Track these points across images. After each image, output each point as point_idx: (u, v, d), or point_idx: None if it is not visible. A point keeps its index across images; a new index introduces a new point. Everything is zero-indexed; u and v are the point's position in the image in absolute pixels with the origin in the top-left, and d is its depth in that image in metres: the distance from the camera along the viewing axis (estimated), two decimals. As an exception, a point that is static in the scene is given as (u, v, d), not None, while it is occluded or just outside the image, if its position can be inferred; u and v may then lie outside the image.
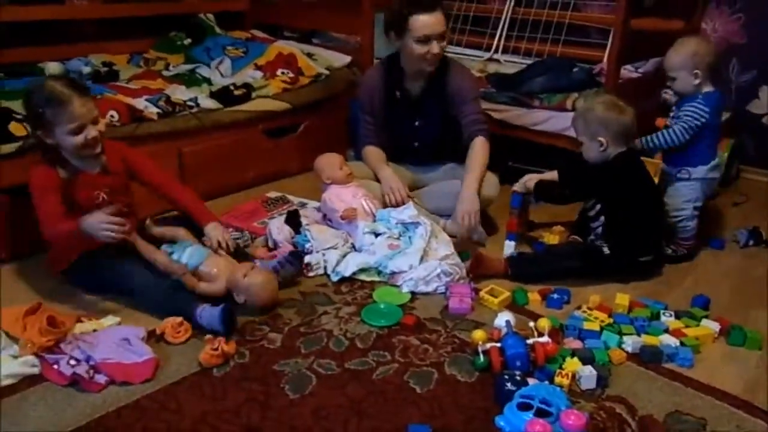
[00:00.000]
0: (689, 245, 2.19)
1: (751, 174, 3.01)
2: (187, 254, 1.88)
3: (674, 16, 2.89)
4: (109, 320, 1.75)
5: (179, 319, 1.70)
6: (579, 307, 1.85)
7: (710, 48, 2.12)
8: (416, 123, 2.40)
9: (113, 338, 1.64)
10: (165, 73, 2.90)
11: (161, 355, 1.60)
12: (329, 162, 2.31)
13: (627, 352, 1.65)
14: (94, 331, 1.69)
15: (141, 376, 1.53)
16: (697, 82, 2.08)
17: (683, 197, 2.14)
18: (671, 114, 2.18)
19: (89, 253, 1.85)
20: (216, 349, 1.59)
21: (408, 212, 2.16)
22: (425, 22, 2.19)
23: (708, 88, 2.10)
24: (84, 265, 1.86)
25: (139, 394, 1.48)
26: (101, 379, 1.52)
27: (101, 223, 1.71)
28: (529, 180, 2.17)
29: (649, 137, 2.13)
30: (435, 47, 2.22)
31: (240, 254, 2.00)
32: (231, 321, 1.70)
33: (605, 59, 2.82)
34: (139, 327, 1.70)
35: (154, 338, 1.67)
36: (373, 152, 2.44)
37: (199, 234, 1.98)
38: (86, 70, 2.78)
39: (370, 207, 2.23)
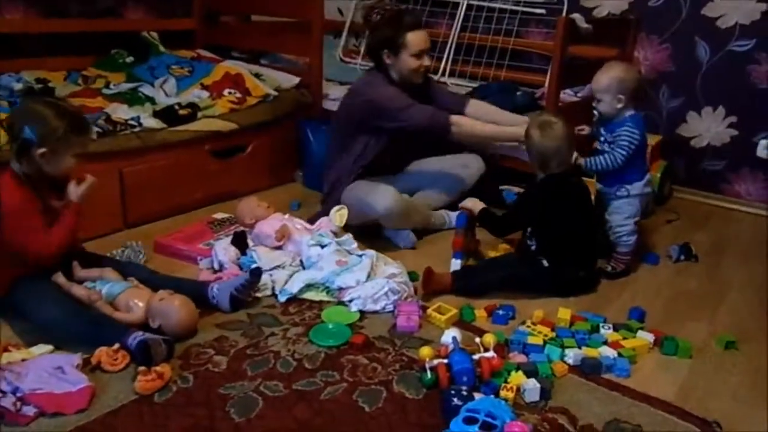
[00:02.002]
0: (627, 260, 2.28)
1: (682, 194, 3.17)
2: (107, 286, 1.84)
3: (609, 45, 3.04)
4: (41, 348, 1.66)
5: (115, 346, 1.63)
6: (523, 322, 1.90)
7: (634, 74, 2.20)
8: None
9: (45, 367, 1.56)
10: (105, 91, 2.82)
11: (97, 385, 1.53)
12: (247, 204, 2.37)
13: (569, 365, 1.70)
14: (23, 360, 1.60)
15: (74, 406, 1.46)
16: (620, 105, 2.17)
17: (625, 214, 2.24)
18: (601, 138, 2.27)
19: (15, 282, 1.79)
20: (149, 373, 1.54)
21: (353, 245, 2.20)
22: (419, 38, 2.36)
23: (630, 112, 2.19)
24: (11, 294, 1.79)
25: (72, 425, 1.41)
26: (30, 411, 1.44)
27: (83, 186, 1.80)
28: (476, 202, 2.24)
29: (592, 160, 2.22)
30: (426, 60, 2.40)
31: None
32: (148, 352, 1.61)
33: (546, 84, 2.93)
34: (74, 354, 1.62)
35: (89, 367, 1.59)
36: (467, 119, 2.39)
37: (126, 276, 1.93)
38: (17, 86, 2.65)
39: (302, 224, 2.29)
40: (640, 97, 2.21)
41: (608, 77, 2.16)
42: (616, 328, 1.87)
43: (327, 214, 2.32)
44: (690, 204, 3.09)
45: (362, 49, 3.69)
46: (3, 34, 2.89)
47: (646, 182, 2.25)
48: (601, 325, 1.88)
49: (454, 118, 2.34)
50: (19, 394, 1.46)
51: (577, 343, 1.78)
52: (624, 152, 2.16)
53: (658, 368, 1.74)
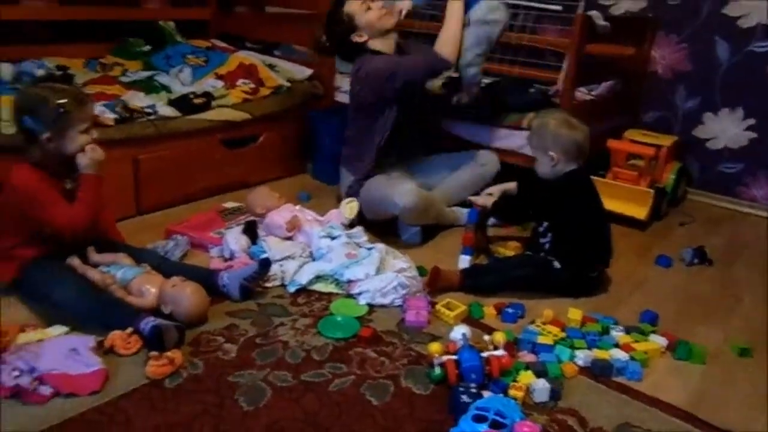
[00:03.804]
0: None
1: (697, 196, 3.13)
2: (121, 271, 1.86)
3: (626, 43, 3.01)
4: (57, 329, 1.69)
5: (128, 330, 1.65)
6: (533, 322, 1.89)
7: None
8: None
9: (60, 348, 1.57)
10: (122, 79, 2.84)
11: (110, 367, 1.55)
12: (259, 194, 2.39)
13: (579, 366, 1.68)
14: (40, 340, 1.62)
15: (88, 387, 1.48)
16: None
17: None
18: None
19: (33, 264, 1.81)
20: (160, 358, 1.55)
21: (363, 238, 2.20)
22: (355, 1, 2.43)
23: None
24: (28, 276, 1.81)
25: (86, 407, 1.43)
26: (45, 390, 1.46)
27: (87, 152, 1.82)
28: (488, 197, 2.22)
29: None
30: (376, 4, 2.43)
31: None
32: (160, 338, 1.62)
33: (560, 81, 2.90)
34: (89, 336, 1.64)
35: (102, 350, 1.61)
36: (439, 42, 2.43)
37: (139, 262, 1.95)
38: (39, 72, 2.68)
39: (312, 215, 2.30)
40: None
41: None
42: (627, 331, 1.85)
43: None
44: (704, 207, 3.05)
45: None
46: (25, 21, 2.94)
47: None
48: (612, 326, 1.86)
49: (438, 47, 2.40)
50: (35, 374, 1.48)
51: (588, 345, 1.77)
52: None
53: (671, 373, 1.72)
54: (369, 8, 2.43)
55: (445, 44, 2.38)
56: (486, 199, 2.24)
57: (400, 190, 2.29)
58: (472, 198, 2.30)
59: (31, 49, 2.90)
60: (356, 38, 2.45)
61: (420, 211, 2.32)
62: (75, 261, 1.87)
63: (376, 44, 2.47)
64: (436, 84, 2.52)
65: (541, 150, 2.08)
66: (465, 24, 2.38)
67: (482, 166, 2.63)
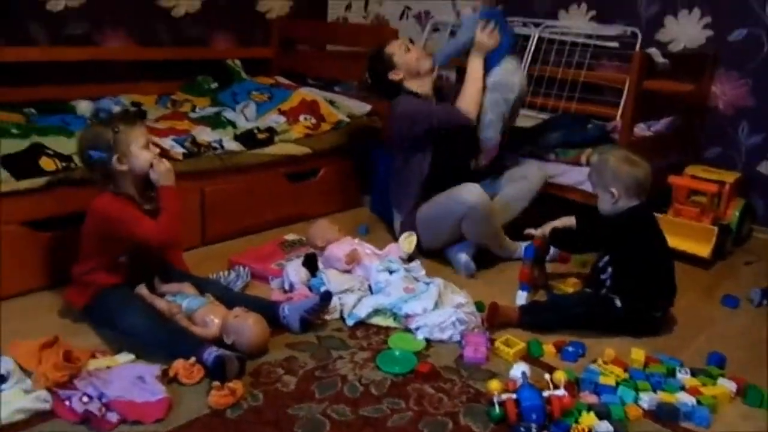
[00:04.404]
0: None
1: (763, 234, 3.02)
2: (186, 301, 1.93)
3: (685, 79, 2.97)
4: (124, 357, 1.75)
5: (192, 359, 1.69)
6: (594, 361, 1.85)
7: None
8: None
9: (128, 376, 1.63)
10: (191, 114, 2.98)
11: (174, 396, 1.59)
12: (319, 227, 2.45)
13: (643, 409, 1.64)
14: (108, 367, 1.68)
15: (153, 415, 1.52)
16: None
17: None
18: None
19: (105, 291, 1.90)
20: (222, 388, 1.59)
21: (421, 272, 2.23)
22: (396, 43, 2.58)
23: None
24: (99, 302, 1.90)
25: (151, 435, 1.47)
26: (113, 417, 1.51)
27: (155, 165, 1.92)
28: (546, 226, 2.22)
29: None
30: (415, 50, 2.57)
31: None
32: (223, 368, 1.65)
33: (618, 117, 2.89)
34: (154, 365, 1.69)
35: (166, 379, 1.66)
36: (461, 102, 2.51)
37: (203, 292, 2.01)
38: (116, 108, 2.86)
39: (371, 249, 2.33)
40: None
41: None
42: (693, 373, 1.80)
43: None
44: (771, 245, 2.95)
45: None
46: (106, 61, 3.15)
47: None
48: (677, 368, 1.81)
49: (460, 105, 2.47)
50: (104, 400, 1.54)
51: (653, 387, 1.72)
52: None
53: (741, 419, 1.65)
54: (408, 50, 2.55)
55: (465, 102, 2.48)
56: (542, 230, 2.23)
57: (466, 189, 2.35)
58: (528, 231, 2.29)
59: (108, 87, 3.09)
60: (393, 76, 2.55)
61: (485, 213, 2.35)
62: (143, 290, 1.95)
63: (412, 84, 2.55)
64: None
65: (601, 186, 2.06)
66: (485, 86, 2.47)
67: (523, 178, 2.61)
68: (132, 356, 1.75)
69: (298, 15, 3.91)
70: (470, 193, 2.34)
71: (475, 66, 2.49)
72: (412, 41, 2.72)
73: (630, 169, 2.02)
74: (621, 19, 3.23)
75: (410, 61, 2.54)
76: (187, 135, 2.58)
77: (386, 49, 2.57)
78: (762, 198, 3.04)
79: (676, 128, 3.01)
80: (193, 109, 3.07)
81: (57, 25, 3.01)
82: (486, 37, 2.47)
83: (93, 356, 1.73)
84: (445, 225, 2.39)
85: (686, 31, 3.08)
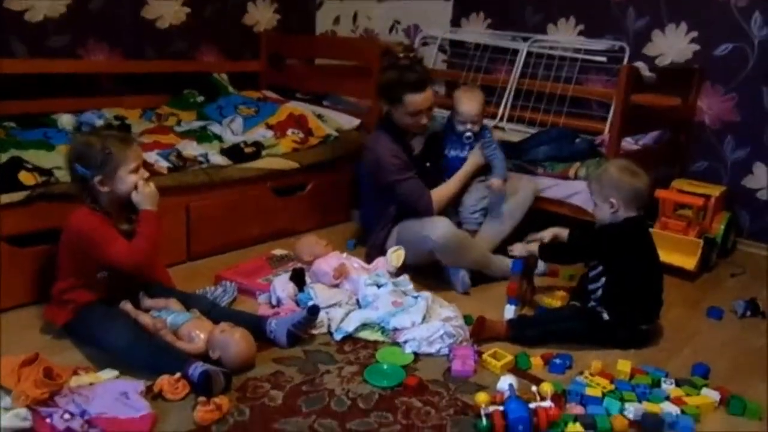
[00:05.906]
0: None
1: (747, 246, 3.05)
2: (172, 316, 1.91)
3: (672, 93, 3.01)
4: (107, 373, 1.72)
5: (177, 375, 1.67)
6: (581, 373, 1.86)
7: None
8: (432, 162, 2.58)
9: (111, 392, 1.61)
10: (176, 128, 2.96)
11: (158, 412, 1.57)
12: (307, 242, 2.42)
13: (629, 419, 1.64)
14: (91, 384, 1.66)
15: (137, 431, 1.50)
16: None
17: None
18: None
19: (85, 308, 1.87)
20: (207, 404, 1.57)
21: (409, 286, 2.22)
22: (417, 100, 2.41)
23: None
24: (80, 320, 1.87)
25: (135, 451, 1.45)
26: (95, 434, 1.48)
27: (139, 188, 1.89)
28: (532, 243, 2.22)
29: None
30: (423, 119, 2.46)
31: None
32: (209, 383, 1.64)
33: (606, 131, 2.92)
34: (138, 381, 1.68)
35: (151, 394, 1.64)
36: (436, 192, 2.49)
37: (189, 307, 2.00)
38: (99, 122, 2.82)
39: (359, 263, 2.32)
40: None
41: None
42: (678, 384, 1.81)
43: (376, 255, 2.38)
44: (755, 257, 2.97)
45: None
46: (88, 75, 3.11)
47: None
48: (662, 379, 1.82)
49: (434, 196, 2.45)
50: (86, 417, 1.51)
51: (638, 397, 1.73)
52: None
53: (724, 429, 1.67)
54: (418, 115, 2.43)
55: (440, 196, 2.48)
56: (527, 247, 2.22)
57: (431, 225, 2.33)
58: (511, 247, 2.28)
59: (91, 101, 3.05)
60: (392, 108, 2.46)
61: (455, 245, 2.33)
62: (127, 306, 1.93)
63: (402, 120, 2.46)
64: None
65: (600, 197, 2.06)
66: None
67: (513, 195, 2.60)
68: (116, 373, 1.73)
69: (285, 28, 3.89)
70: (435, 229, 2.31)
71: (468, 170, 2.53)
72: (432, 109, 2.53)
73: (631, 180, 2.02)
74: (609, 33, 3.28)
75: (407, 122, 2.46)
76: (171, 149, 2.57)
77: (406, 93, 2.39)
78: (747, 211, 3.07)
79: (663, 142, 3.05)
80: (179, 123, 3.05)
81: (36, 36, 2.92)
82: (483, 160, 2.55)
83: (75, 373, 1.70)
84: (419, 254, 2.37)
85: (673, 45, 3.13)
